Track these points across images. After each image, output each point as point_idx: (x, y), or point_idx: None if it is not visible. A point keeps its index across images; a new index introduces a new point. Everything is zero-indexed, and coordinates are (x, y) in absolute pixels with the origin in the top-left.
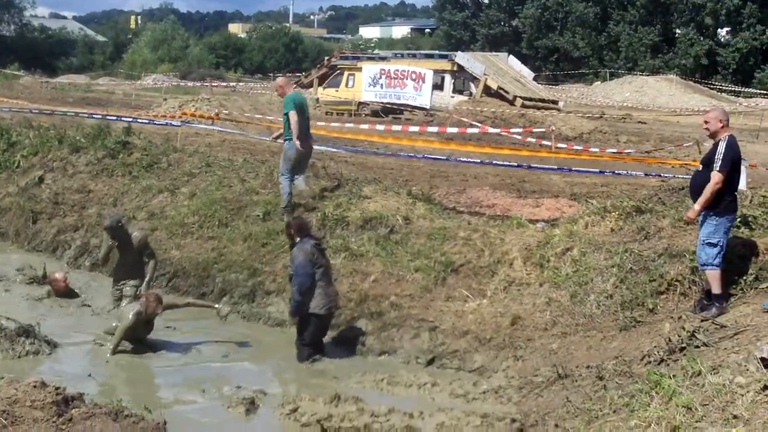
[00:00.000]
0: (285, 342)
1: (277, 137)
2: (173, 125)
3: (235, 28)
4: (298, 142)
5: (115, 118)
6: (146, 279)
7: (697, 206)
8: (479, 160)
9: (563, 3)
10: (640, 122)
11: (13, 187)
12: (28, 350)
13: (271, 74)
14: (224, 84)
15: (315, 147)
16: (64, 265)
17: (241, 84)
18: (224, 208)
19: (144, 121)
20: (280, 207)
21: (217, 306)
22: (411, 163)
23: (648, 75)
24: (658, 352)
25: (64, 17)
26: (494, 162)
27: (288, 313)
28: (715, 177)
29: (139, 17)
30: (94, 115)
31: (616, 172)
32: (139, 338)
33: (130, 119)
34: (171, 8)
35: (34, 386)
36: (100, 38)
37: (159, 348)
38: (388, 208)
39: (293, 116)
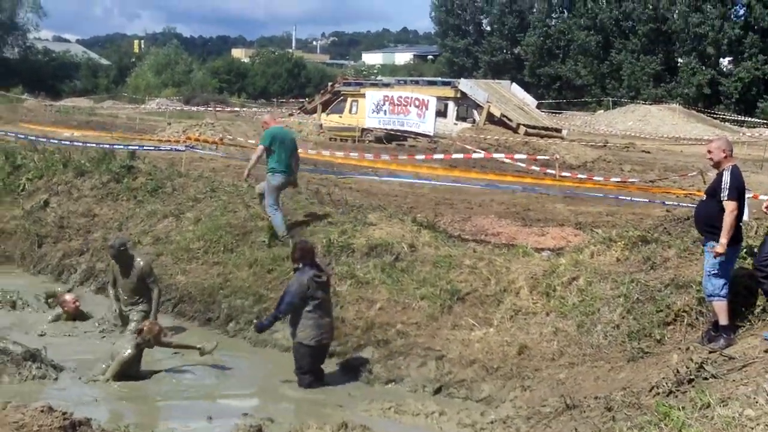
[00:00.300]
0: (292, 369)
1: (247, 175)
2: (178, 150)
3: (239, 53)
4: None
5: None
6: (152, 310)
7: (723, 239)
8: (484, 184)
9: (565, 31)
10: (643, 151)
11: (19, 210)
12: (34, 374)
13: (275, 99)
14: (228, 109)
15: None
16: (73, 287)
17: (244, 109)
18: (229, 234)
19: (150, 147)
20: (281, 237)
21: (199, 347)
22: (415, 191)
23: (651, 104)
24: (666, 383)
25: (68, 41)
26: (499, 186)
27: (254, 326)
28: (729, 206)
29: (142, 41)
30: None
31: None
32: (131, 373)
33: (137, 147)
34: (174, 33)
35: (42, 411)
36: (104, 62)
37: (165, 374)
38: (394, 235)
39: (259, 149)
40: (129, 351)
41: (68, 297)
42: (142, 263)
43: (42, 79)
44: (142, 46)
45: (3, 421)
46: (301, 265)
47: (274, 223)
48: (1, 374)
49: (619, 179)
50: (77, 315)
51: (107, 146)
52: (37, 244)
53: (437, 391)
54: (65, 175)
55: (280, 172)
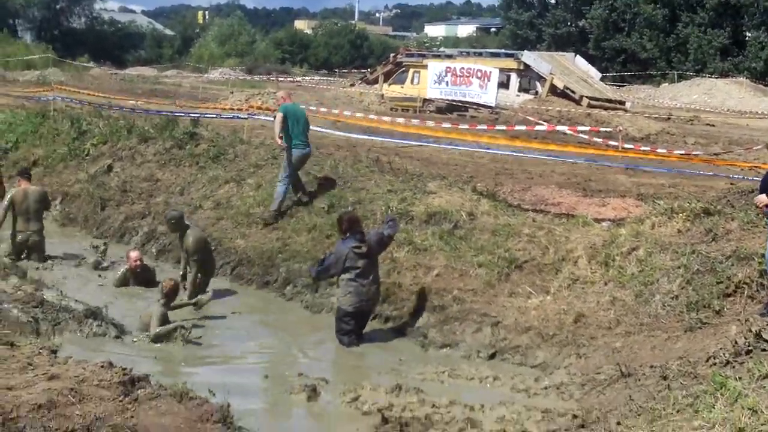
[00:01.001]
0: None
1: (280, 138)
2: (240, 118)
3: (301, 25)
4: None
5: (184, 114)
6: (187, 290)
7: None
8: (546, 155)
9: (631, 4)
10: (708, 125)
11: (83, 174)
12: (95, 332)
13: (337, 70)
14: (290, 79)
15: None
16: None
17: (306, 79)
18: (289, 199)
19: (212, 114)
20: (271, 209)
21: (194, 301)
22: (476, 160)
23: (717, 78)
24: (723, 354)
25: (133, 11)
26: (561, 158)
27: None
28: None
29: (206, 12)
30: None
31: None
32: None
33: (199, 114)
34: (238, 4)
35: (102, 366)
36: (168, 32)
37: (224, 333)
38: (453, 204)
39: (279, 117)
40: (157, 310)
41: (133, 254)
42: (189, 239)
43: (107, 48)
44: (206, 17)
45: (65, 375)
46: (348, 235)
47: (276, 192)
48: (63, 331)
49: (682, 152)
50: (141, 273)
51: (170, 114)
52: (100, 207)
53: (492, 356)
54: (129, 141)
55: (295, 147)
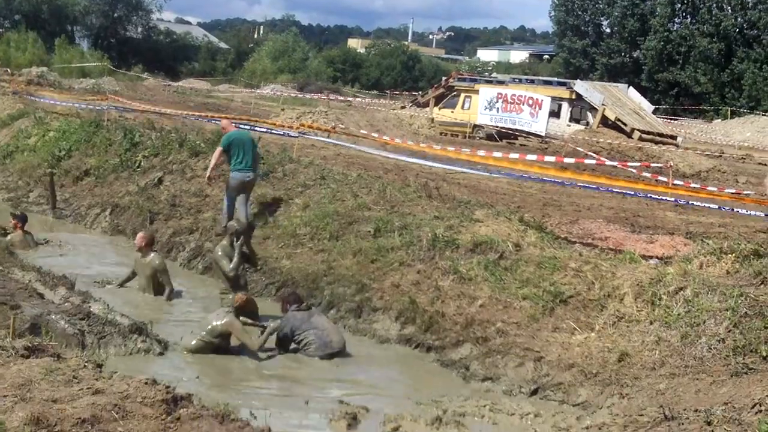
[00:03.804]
0: (389, 359)
1: (210, 177)
2: (291, 136)
3: (355, 43)
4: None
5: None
6: None
7: None
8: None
9: (687, 37)
10: (760, 164)
11: (133, 186)
12: (139, 348)
13: (387, 91)
14: (341, 98)
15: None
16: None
17: (357, 99)
18: (336, 222)
19: (262, 129)
20: (222, 224)
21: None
22: (524, 190)
23: None
24: None
25: (189, 23)
26: (610, 189)
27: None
28: None
29: (261, 27)
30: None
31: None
32: (224, 346)
33: (250, 128)
34: (293, 20)
35: (146, 383)
36: (223, 45)
37: (269, 356)
38: (499, 233)
39: (217, 152)
40: (216, 322)
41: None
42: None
43: (162, 59)
44: (261, 32)
45: (109, 390)
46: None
47: (222, 212)
48: (108, 345)
49: (733, 191)
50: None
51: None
52: (149, 220)
53: (533, 392)
54: (180, 155)
55: (237, 171)
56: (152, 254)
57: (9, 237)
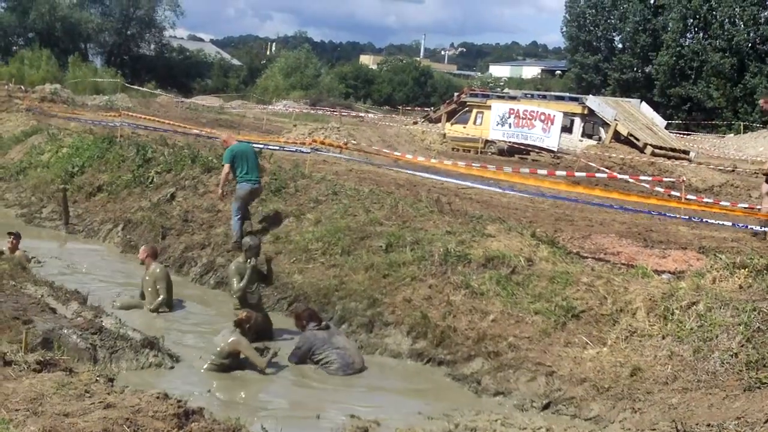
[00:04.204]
0: (400, 374)
1: (222, 194)
2: (303, 152)
3: (367, 59)
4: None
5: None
6: None
7: None
8: (607, 204)
9: (699, 52)
10: None
11: (146, 202)
12: (151, 362)
13: (400, 107)
14: (353, 114)
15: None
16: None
17: (370, 115)
18: (348, 237)
19: (275, 147)
20: (233, 240)
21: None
22: (536, 205)
23: None
24: None
25: (202, 40)
26: (623, 207)
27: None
28: None
29: (273, 44)
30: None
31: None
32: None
33: (262, 146)
34: (305, 37)
35: (157, 397)
36: (236, 62)
37: (279, 370)
38: (511, 248)
39: (225, 168)
40: (223, 343)
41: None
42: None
43: (175, 76)
44: (273, 48)
45: (121, 404)
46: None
47: (233, 227)
48: (119, 360)
49: (746, 205)
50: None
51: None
52: (161, 235)
53: (545, 407)
54: (193, 171)
55: (245, 182)
56: (153, 265)
57: (16, 255)
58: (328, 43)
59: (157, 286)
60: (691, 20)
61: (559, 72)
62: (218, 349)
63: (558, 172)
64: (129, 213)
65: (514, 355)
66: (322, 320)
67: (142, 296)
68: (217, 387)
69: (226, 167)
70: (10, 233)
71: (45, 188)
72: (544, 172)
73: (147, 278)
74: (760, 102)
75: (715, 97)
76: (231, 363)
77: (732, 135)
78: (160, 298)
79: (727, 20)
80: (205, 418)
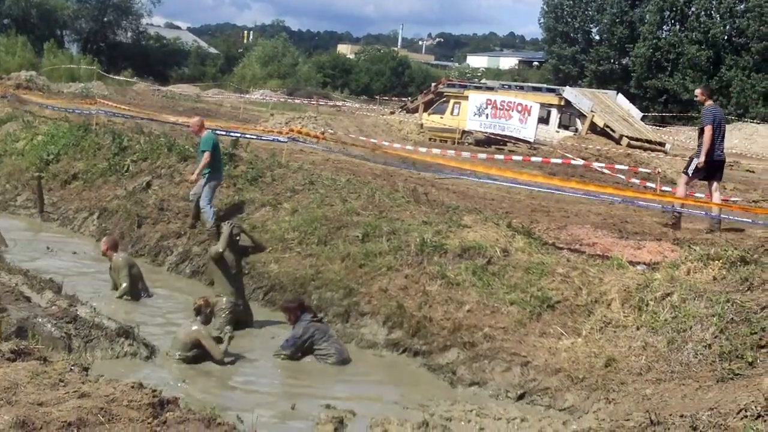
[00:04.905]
0: (376, 365)
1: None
2: (280, 141)
3: (344, 49)
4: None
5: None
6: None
7: None
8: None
9: (675, 44)
10: (748, 170)
11: (122, 190)
12: (126, 351)
13: (377, 97)
14: (330, 103)
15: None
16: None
17: (347, 104)
18: (324, 227)
19: (252, 136)
20: (208, 228)
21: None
22: (512, 196)
23: (759, 123)
24: (755, 407)
25: (179, 27)
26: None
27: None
28: None
29: (251, 32)
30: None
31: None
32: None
33: (239, 134)
34: (283, 25)
35: (132, 387)
36: (213, 50)
37: (256, 360)
38: (487, 239)
39: (206, 156)
40: (203, 330)
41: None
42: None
43: (152, 64)
44: (251, 37)
45: (95, 393)
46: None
47: (206, 217)
48: (94, 349)
49: (721, 198)
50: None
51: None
52: (137, 224)
53: (520, 397)
54: (169, 159)
55: (219, 171)
56: (115, 256)
57: None
58: (306, 32)
59: (120, 275)
60: (668, 12)
61: (536, 63)
62: (181, 343)
63: (533, 158)
64: (104, 201)
65: (490, 346)
66: (314, 311)
67: (115, 288)
68: (191, 376)
69: (207, 154)
70: None
71: (20, 176)
72: (519, 158)
73: (112, 271)
74: (696, 92)
75: (691, 89)
76: (197, 354)
77: None
78: (122, 287)
79: (703, 13)
80: (180, 408)
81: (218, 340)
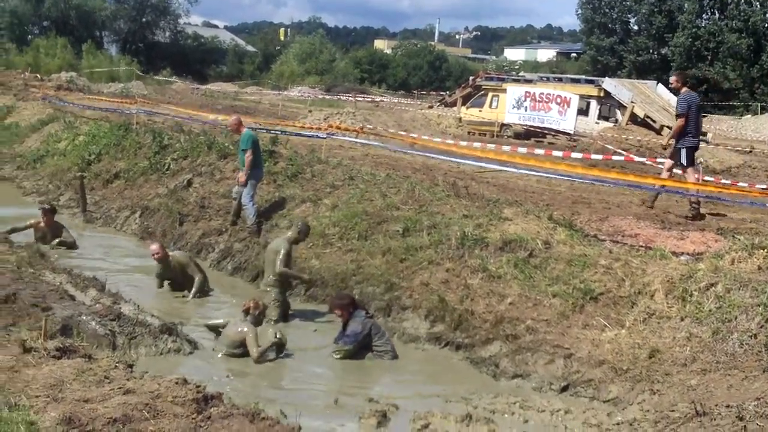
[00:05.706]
0: (419, 358)
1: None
2: (319, 137)
3: (381, 44)
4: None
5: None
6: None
7: None
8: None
9: (715, 33)
10: None
11: (163, 188)
12: (170, 348)
13: (415, 91)
14: (368, 99)
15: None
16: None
17: (384, 99)
18: (365, 222)
19: (291, 132)
20: (249, 225)
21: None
22: (553, 188)
23: None
24: None
25: (216, 26)
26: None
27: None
28: None
29: (288, 29)
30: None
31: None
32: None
33: (279, 131)
34: (320, 22)
35: (176, 383)
36: (250, 48)
37: (300, 354)
38: (529, 232)
39: (249, 154)
40: (250, 329)
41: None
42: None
43: (190, 63)
44: (288, 34)
45: (140, 390)
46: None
47: (247, 214)
48: (138, 346)
49: (764, 186)
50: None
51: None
52: (178, 222)
53: (564, 389)
54: (209, 157)
55: (258, 167)
56: (171, 255)
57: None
58: (342, 28)
59: (189, 269)
60: (707, 1)
61: (574, 55)
62: (228, 340)
63: (574, 154)
64: (146, 200)
65: (532, 338)
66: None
67: (161, 286)
68: (236, 372)
69: (250, 153)
70: (42, 208)
71: (62, 176)
72: (559, 153)
73: (164, 270)
74: (671, 79)
75: (732, 78)
76: (243, 352)
77: (749, 116)
78: (198, 279)
79: (743, 0)
80: (224, 403)
81: (279, 343)
